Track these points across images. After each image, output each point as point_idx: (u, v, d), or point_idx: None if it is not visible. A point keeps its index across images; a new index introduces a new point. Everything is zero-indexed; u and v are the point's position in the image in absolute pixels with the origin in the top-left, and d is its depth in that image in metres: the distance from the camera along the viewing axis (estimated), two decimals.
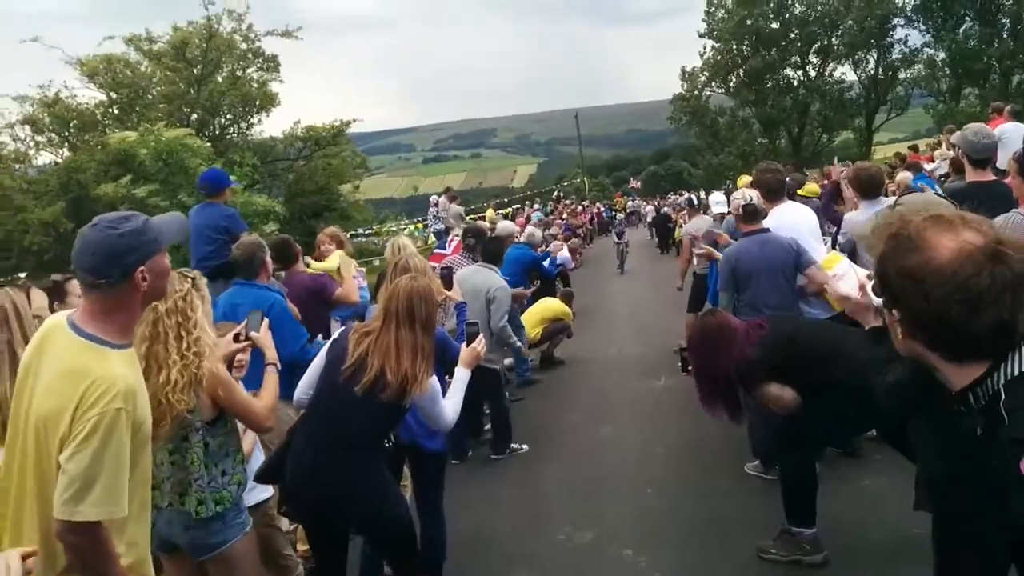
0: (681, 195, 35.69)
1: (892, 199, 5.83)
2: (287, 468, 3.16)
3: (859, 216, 5.31)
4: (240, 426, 3.14)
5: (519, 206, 28.51)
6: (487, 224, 13.64)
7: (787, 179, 6.14)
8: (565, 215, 25.69)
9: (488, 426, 6.75)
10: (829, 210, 6.72)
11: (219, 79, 22.57)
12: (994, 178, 4.32)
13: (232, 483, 2.93)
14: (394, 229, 29.09)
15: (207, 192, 6.57)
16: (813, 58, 44.00)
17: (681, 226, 12.33)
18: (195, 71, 21.34)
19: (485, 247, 6.91)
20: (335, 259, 5.82)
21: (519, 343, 7.71)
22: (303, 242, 7.28)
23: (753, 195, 5.07)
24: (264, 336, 3.22)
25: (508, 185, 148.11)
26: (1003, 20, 37.45)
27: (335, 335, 3.35)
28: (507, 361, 8.21)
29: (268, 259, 4.85)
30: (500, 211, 27.24)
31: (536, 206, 28.30)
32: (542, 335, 9.17)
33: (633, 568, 4.20)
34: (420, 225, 26.26)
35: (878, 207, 5.24)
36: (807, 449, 3.98)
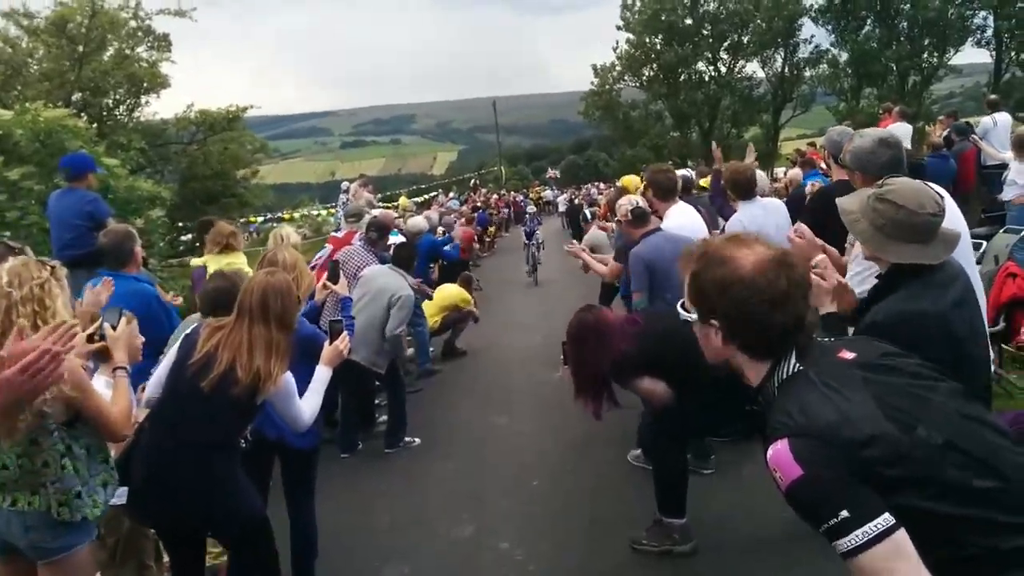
0: (596, 186, 36.40)
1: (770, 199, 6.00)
2: (134, 468, 3.00)
3: (739, 215, 5.45)
4: None
5: (435, 194, 28.20)
6: (397, 213, 13.45)
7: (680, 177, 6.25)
8: (480, 202, 25.63)
9: (381, 418, 6.64)
10: (717, 202, 6.82)
11: (105, 58, 21.40)
12: None
13: (98, 484, 2.75)
14: (307, 215, 28.42)
15: (68, 176, 6.27)
16: (724, 55, 45.28)
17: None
18: (78, 48, 20.18)
19: (398, 252, 6.79)
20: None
21: (408, 351, 7.65)
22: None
23: (637, 199, 5.15)
24: (118, 336, 2.97)
25: (428, 172, 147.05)
26: (901, 24, 39.29)
27: (187, 330, 3.19)
28: (409, 351, 8.11)
29: (138, 248, 4.65)
30: (415, 199, 26.93)
31: (452, 195, 28.11)
32: (442, 323, 9.10)
33: (509, 562, 4.18)
34: (334, 211, 25.71)
35: (754, 206, 5.41)
36: (681, 441, 4.05)
